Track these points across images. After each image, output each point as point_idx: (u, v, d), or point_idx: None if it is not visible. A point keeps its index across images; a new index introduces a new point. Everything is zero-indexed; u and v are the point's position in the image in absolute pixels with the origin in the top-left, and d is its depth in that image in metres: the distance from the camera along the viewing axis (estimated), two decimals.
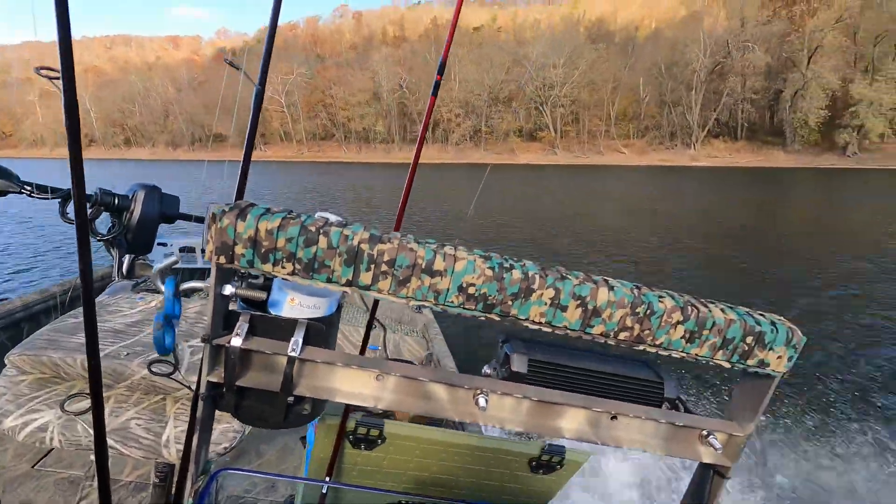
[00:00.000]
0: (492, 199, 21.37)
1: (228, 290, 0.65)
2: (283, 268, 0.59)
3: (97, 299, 1.87)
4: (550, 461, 1.20)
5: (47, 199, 1.02)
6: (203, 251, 0.61)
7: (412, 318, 3.34)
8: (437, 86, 1.34)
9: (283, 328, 0.68)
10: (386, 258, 0.59)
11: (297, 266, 0.59)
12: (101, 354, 1.34)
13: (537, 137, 65.63)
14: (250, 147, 1.10)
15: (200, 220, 1.17)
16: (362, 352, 1.39)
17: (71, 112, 0.62)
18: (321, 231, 0.58)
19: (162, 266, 0.84)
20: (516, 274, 0.61)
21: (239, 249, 0.58)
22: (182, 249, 3.36)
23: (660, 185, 32.88)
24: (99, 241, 1.17)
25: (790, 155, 52.17)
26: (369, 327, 1.34)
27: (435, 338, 3.07)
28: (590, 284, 0.63)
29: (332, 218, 0.65)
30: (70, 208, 1.08)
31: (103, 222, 1.19)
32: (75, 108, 0.63)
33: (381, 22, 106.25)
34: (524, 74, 63.29)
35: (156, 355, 0.89)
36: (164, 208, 1.24)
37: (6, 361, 1.40)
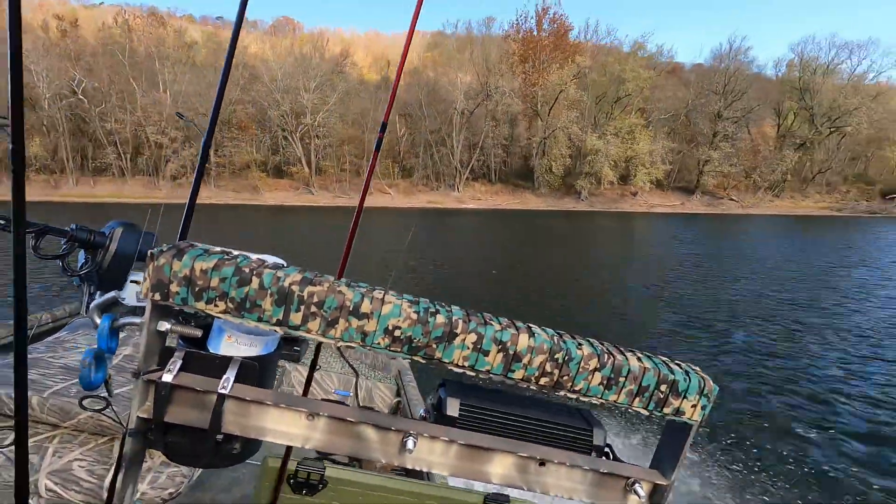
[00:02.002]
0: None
1: (164, 326, 0.64)
2: (216, 306, 0.59)
3: (57, 335, 1.76)
4: None
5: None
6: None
7: (386, 365, 3.15)
8: (379, 143, 1.32)
9: (217, 365, 0.66)
10: (315, 299, 0.59)
11: (230, 305, 0.59)
12: (49, 392, 1.35)
13: (288, 173, 53.77)
14: (196, 191, 1.19)
15: None
16: (305, 393, 1.31)
17: (16, 149, 0.61)
18: (254, 272, 0.59)
19: (99, 302, 0.82)
20: (440, 318, 0.61)
21: (174, 287, 0.58)
22: None
23: (442, 228, 30.93)
24: (71, 276, 1.17)
25: (540, 198, 55.23)
26: (312, 369, 1.30)
27: (408, 385, 2.92)
28: (511, 330, 0.63)
29: (271, 260, 0.66)
30: (43, 243, 1.12)
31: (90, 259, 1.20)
32: (21, 146, 0.61)
33: (40, 14, 76.74)
34: (266, 95, 51.19)
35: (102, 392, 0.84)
36: (142, 246, 1.23)
37: None
